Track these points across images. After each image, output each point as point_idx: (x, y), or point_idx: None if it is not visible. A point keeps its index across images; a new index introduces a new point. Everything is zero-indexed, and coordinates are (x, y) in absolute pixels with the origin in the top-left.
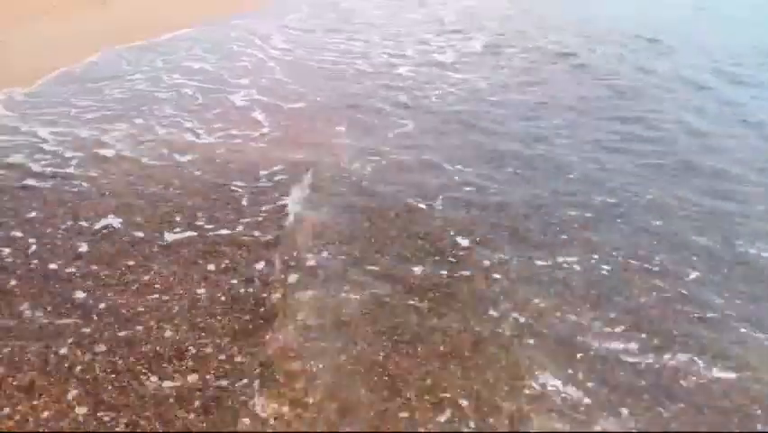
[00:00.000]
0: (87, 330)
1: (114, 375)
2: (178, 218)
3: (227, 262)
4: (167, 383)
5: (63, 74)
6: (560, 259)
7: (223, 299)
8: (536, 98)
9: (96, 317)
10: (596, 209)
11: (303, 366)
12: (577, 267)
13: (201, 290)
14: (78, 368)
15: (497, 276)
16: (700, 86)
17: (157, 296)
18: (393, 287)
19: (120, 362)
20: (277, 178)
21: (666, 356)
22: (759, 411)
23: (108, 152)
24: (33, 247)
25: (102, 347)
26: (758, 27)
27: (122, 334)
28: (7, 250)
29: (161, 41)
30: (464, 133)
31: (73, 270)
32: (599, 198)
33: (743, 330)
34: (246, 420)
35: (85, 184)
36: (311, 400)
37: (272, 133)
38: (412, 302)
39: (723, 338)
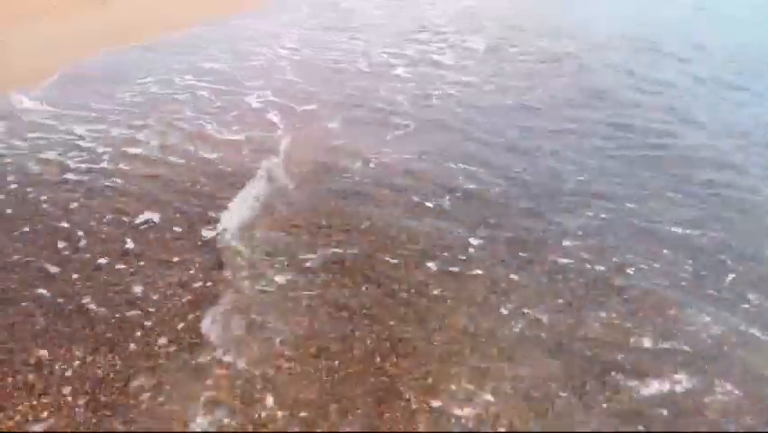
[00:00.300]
0: (149, 323)
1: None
2: (211, 213)
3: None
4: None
5: (72, 74)
6: (565, 260)
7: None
8: (537, 100)
9: (154, 310)
10: (596, 211)
11: (303, 366)
12: (580, 268)
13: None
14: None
15: (503, 276)
16: (703, 90)
17: (203, 291)
18: (395, 286)
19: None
20: (293, 177)
21: (665, 359)
22: (755, 418)
23: (137, 150)
24: (83, 242)
25: (163, 340)
26: (758, 27)
27: (180, 326)
28: (62, 243)
29: (163, 41)
30: (467, 134)
31: (123, 265)
32: (599, 201)
33: (743, 330)
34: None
35: (119, 180)
36: (311, 400)
37: (286, 134)
38: (414, 301)
39: (723, 341)
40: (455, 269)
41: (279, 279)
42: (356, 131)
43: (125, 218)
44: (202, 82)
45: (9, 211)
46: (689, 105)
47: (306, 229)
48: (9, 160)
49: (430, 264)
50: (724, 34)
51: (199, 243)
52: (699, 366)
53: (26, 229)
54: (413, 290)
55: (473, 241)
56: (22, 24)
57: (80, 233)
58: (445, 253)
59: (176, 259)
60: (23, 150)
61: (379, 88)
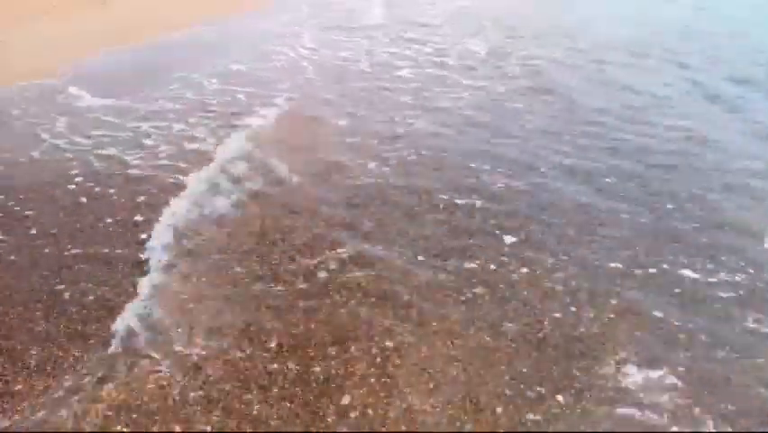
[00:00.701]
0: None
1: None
2: (284, 214)
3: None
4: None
5: (84, 71)
6: (566, 261)
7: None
8: (541, 102)
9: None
10: (600, 215)
11: (302, 366)
12: (583, 270)
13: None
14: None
15: (503, 276)
16: (711, 97)
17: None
18: (396, 287)
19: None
20: (306, 176)
21: (663, 366)
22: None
23: (195, 146)
24: (165, 237)
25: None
26: (758, 27)
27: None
28: (143, 235)
29: (164, 41)
30: (477, 135)
31: (219, 256)
32: (607, 207)
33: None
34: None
35: (180, 177)
36: (311, 400)
37: (313, 134)
38: (414, 302)
39: (717, 338)
40: (454, 270)
41: (281, 276)
42: (365, 131)
43: (207, 212)
44: (229, 85)
45: (83, 200)
46: (692, 119)
47: (315, 228)
48: (71, 155)
49: (430, 265)
50: (724, 36)
51: (278, 238)
52: (694, 365)
53: (108, 220)
54: (413, 292)
55: (474, 242)
56: (22, 24)
57: (159, 228)
58: (446, 254)
59: (255, 257)
60: (86, 146)
61: (385, 89)
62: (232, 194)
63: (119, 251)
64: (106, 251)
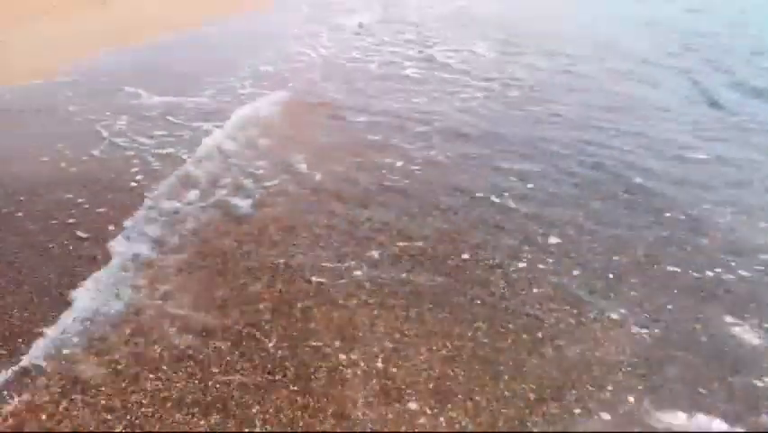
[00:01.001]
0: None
1: None
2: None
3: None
4: None
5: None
6: (569, 262)
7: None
8: (540, 106)
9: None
10: (617, 219)
11: (304, 364)
12: (585, 274)
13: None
14: None
15: (500, 279)
16: (710, 101)
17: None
18: (394, 287)
19: None
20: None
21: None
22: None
23: (230, 146)
24: (178, 233)
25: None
26: (758, 27)
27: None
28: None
29: (172, 41)
30: (477, 137)
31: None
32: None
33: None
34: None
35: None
36: (310, 401)
37: (330, 134)
38: (414, 303)
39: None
40: (454, 270)
41: (280, 276)
42: (383, 131)
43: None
44: (260, 88)
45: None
46: (692, 124)
47: (315, 227)
48: (131, 153)
49: (429, 265)
50: (724, 36)
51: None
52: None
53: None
54: (413, 292)
55: (473, 242)
56: (22, 24)
57: (166, 227)
58: (446, 254)
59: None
60: (146, 144)
61: (394, 90)
62: (240, 192)
63: (119, 249)
64: (112, 249)
